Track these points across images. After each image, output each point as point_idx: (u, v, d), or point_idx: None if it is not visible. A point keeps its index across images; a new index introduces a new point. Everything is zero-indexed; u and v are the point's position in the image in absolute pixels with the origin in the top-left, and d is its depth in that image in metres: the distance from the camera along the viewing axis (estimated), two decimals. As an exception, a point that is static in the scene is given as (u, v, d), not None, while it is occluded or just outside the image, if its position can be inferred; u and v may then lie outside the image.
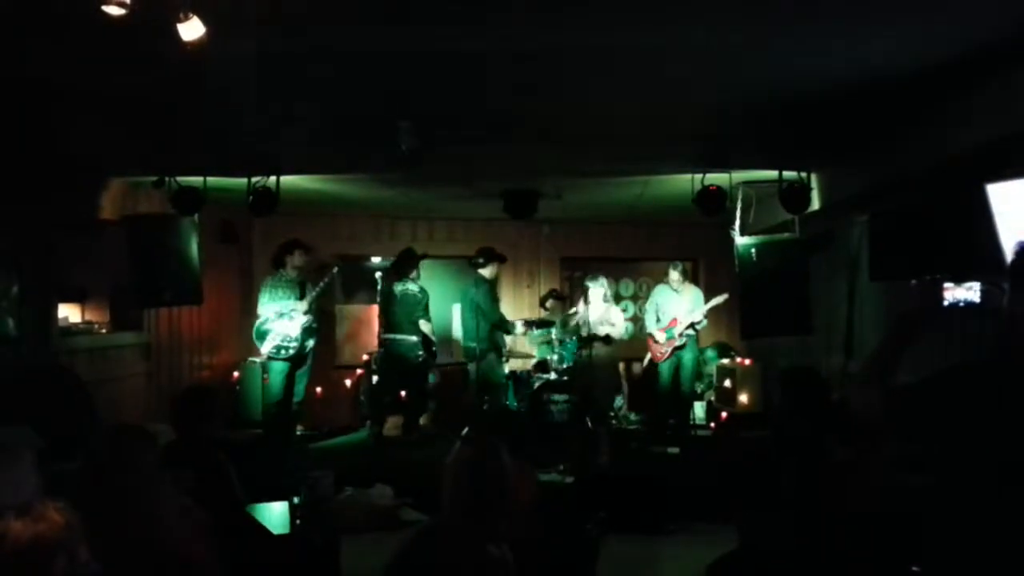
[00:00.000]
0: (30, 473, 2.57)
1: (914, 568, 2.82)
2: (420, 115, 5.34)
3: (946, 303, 6.10)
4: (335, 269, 8.19)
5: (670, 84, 4.79)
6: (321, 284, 7.97)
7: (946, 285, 6.07)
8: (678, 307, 8.66)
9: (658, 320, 8.77)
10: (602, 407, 8.89)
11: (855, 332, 7.85)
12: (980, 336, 5.59)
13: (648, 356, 9.17)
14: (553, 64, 4.40)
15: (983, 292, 5.74)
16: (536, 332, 9.34)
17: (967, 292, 5.86)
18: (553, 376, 8.67)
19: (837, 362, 8.07)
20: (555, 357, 8.88)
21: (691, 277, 10.80)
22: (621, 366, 10.19)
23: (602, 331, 8.69)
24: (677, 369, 8.78)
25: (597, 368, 8.74)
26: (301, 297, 7.92)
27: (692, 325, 8.61)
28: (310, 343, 7.99)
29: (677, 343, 8.62)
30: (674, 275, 8.74)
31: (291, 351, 7.82)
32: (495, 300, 8.74)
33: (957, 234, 5.45)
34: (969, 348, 5.84)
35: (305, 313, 7.85)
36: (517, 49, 4.17)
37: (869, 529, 3.15)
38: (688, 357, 8.78)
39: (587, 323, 8.70)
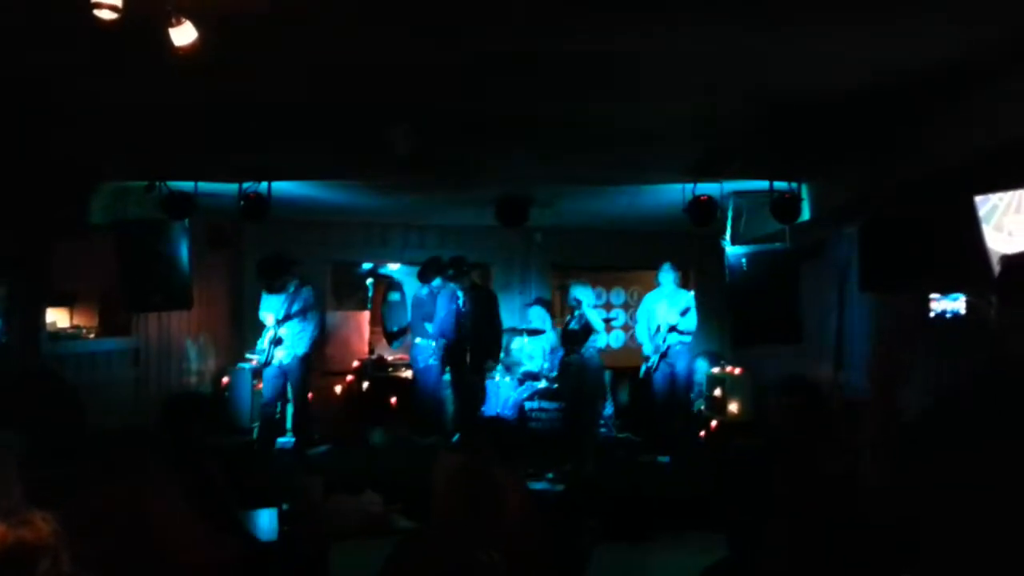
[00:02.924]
0: (12, 478, 2.53)
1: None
2: (413, 122, 5.34)
3: (932, 314, 6.15)
4: (289, 289, 8.18)
5: (661, 95, 4.81)
6: (294, 301, 8.13)
7: (932, 296, 6.12)
8: (663, 312, 8.51)
9: (650, 329, 8.62)
10: (590, 415, 8.86)
11: (845, 342, 7.88)
12: (967, 348, 5.62)
13: (644, 367, 8.93)
14: (545, 73, 4.41)
15: (968, 304, 5.79)
16: (527, 340, 9.34)
17: (953, 304, 5.91)
18: (543, 384, 8.67)
19: (827, 372, 8.09)
20: (546, 365, 8.87)
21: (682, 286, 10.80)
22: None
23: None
24: (672, 380, 8.58)
25: (584, 375, 8.70)
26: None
27: (675, 329, 8.42)
28: (276, 352, 8.07)
29: (660, 349, 8.48)
30: (662, 277, 8.59)
31: (259, 361, 8.19)
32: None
33: (946, 246, 5.48)
34: (955, 361, 5.87)
35: (276, 325, 8.03)
36: (509, 57, 4.18)
37: (860, 538, 3.16)
38: (681, 366, 8.58)
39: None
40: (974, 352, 5.30)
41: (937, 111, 4.93)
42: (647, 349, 8.63)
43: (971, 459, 2.15)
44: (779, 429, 3.81)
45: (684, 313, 8.41)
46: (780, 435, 3.80)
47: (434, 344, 8.63)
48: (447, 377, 8.72)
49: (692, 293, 8.78)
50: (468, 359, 8.41)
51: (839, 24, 3.74)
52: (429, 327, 8.66)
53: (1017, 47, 3.88)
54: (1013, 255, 2.55)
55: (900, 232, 6.17)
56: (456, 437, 7.96)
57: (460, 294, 8.41)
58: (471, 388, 8.53)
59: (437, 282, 8.75)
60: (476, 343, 8.45)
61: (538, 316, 9.51)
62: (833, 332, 8.06)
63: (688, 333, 8.54)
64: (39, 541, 2.07)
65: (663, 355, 8.48)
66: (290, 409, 8.39)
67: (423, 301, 8.93)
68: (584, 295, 8.82)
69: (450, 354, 8.53)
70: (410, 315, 9.33)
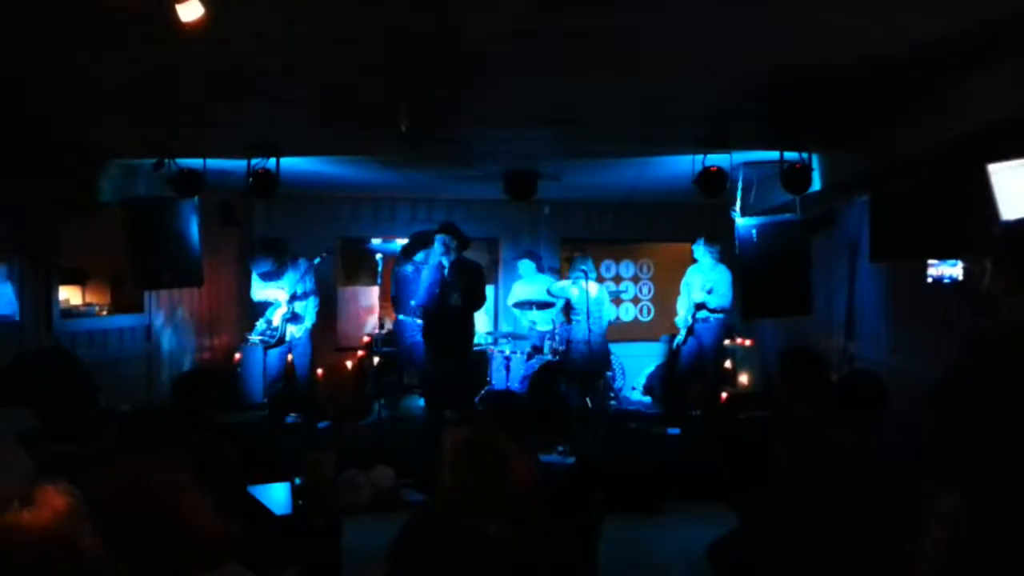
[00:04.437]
0: (20, 456, 2.54)
1: (909, 546, 2.84)
2: (420, 96, 5.31)
3: (929, 280, 6.14)
4: (315, 261, 8.46)
5: (670, 65, 4.76)
6: (303, 276, 8.35)
7: (930, 262, 6.10)
8: (696, 288, 8.45)
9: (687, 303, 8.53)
10: (597, 388, 8.88)
11: (855, 313, 7.86)
12: (965, 313, 5.62)
13: (675, 340, 8.83)
14: (553, 45, 4.37)
15: (965, 270, 5.77)
16: (535, 312, 9.33)
17: (951, 269, 5.89)
18: (553, 357, 8.68)
19: (838, 343, 8.09)
20: (556, 338, 8.87)
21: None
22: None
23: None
24: (700, 354, 8.50)
25: (588, 347, 8.71)
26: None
27: (703, 307, 8.35)
28: (288, 328, 8.29)
29: (688, 324, 8.43)
30: (697, 253, 8.49)
31: (273, 339, 8.27)
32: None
33: (958, 215, 5.44)
34: (953, 326, 5.87)
35: (289, 302, 8.20)
36: (517, 30, 4.14)
37: (865, 508, 3.17)
38: (708, 341, 8.46)
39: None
40: (972, 317, 5.30)
41: (951, 80, 4.87)
42: (679, 321, 8.64)
43: (990, 421, 2.18)
44: (784, 400, 3.82)
45: (709, 292, 8.32)
46: (784, 405, 3.81)
47: (419, 322, 8.41)
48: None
49: (726, 268, 8.49)
50: (457, 332, 8.20)
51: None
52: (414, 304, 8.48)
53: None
54: (1011, 222, 2.55)
55: (911, 202, 6.13)
56: (464, 411, 8.03)
57: (445, 264, 8.04)
58: (467, 362, 8.41)
59: (420, 256, 8.56)
60: (461, 316, 8.18)
61: (528, 269, 9.44)
62: (843, 303, 8.04)
63: (720, 310, 8.40)
64: (80, 517, 2.11)
65: (690, 330, 8.47)
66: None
67: (408, 278, 8.74)
68: (584, 267, 8.79)
69: (435, 327, 8.11)
70: (394, 291, 9.24)
